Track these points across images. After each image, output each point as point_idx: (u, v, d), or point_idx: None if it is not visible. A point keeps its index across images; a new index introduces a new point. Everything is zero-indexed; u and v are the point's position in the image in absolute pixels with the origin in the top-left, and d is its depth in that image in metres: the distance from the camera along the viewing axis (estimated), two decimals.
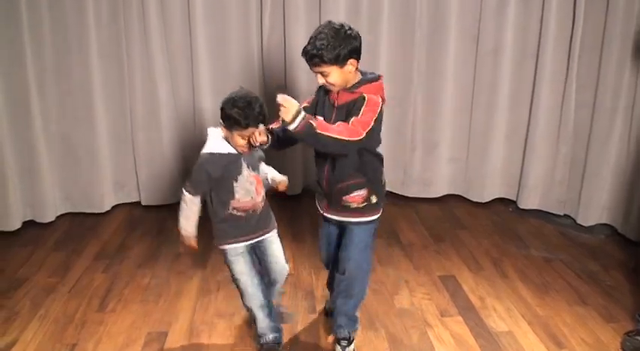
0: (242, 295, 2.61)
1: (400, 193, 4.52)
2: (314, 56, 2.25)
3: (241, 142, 2.37)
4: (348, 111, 2.32)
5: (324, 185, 2.49)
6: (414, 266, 3.46)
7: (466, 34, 4.17)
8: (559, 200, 4.20)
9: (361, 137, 2.24)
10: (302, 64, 4.17)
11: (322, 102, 2.46)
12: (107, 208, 4.28)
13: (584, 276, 3.35)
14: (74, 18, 3.92)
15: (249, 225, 2.52)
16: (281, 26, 4.19)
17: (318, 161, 2.49)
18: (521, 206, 4.30)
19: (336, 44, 2.24)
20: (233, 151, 2.41)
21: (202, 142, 4.39)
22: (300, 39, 4.16)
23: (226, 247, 2.56)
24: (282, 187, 2.66)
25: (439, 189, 4.51)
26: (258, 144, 2.38)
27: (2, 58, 3.75)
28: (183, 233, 2.59)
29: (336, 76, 2.29)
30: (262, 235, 2.57)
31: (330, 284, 2.82)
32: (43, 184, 4.02)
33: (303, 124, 2.18)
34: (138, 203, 4.42)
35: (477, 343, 2.73)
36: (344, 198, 2.45)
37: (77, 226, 4.03)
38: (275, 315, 2.64)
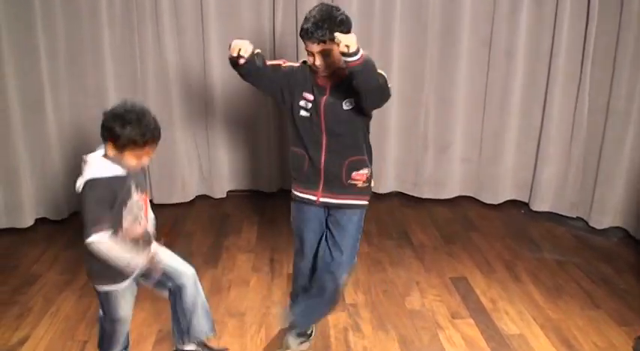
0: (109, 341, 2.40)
1: (412, 194, 4.50)
2: (323, 29, 2.18)
3: (134, 162, 2.10)
4: (348, 88, 2.25)
5: (321, 166, 2.40)
6: (425, 268, 3.45)
7: (479, 35, 4.16)
8: (572, 203, 4.18)
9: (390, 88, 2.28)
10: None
11: (309, 80, 2.37)
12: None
13: (596, 279, 3.33)
14: (88, 18, 3.95)
15: (139, 250, 2.22)
16: (293, 24, 4.18)
17: (311, 141, 2.39)
18: (534, 208, 4.28)
19: (339, 21, 2.22)
20: (119, 172, 2.10)
21: (215, 140, 4.44)
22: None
23: (111, 287, 2.24)
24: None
25: (451, 190, 4.49)
26: (236, 55, 2.24)
27: (17, 57, 3.78)
28: (134, 267, 2.20)
29: (334, 55, 2.23)
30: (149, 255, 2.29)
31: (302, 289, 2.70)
32: (55, 181, 4.05)
33: (365, 54, 2.12)
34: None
35: (488, 345, 2.72)
36: (353, 175, 2.41)
37: None
38: None
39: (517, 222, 4.15)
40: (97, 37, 3.99)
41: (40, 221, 4.06)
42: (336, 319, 2.90)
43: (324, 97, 2.33)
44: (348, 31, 2.21)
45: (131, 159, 2.09)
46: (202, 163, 4.51)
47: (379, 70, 2.22)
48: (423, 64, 4.21)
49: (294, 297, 2.78)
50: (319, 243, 2.56)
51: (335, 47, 2.16)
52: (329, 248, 2.50)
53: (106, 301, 2.28)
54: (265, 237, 3.88)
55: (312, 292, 2.60)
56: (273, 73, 2.40)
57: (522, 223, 4.14)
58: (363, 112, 2.35)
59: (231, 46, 2.27)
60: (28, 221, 4.01)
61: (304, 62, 2.41)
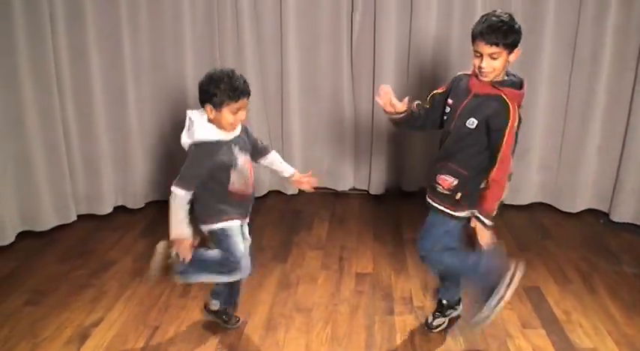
0: (223, 269, 2.54)
1: None
2: (500, 32, 2.24)
3: (231, 119, 2.35)
4: (484, 112, 2.34)
5: (434, 159, 2.56)
6: None
7: (562, 38, 4.03)
8: None
9: (506, 179, 2.45)
10: (391, 61, 4.20)
11: (457, 88, 2.47)
12: None
13: None
14: (171, 14, 4.06)
15: (242, 206, 2.56)
16: (371, 23, 4.18)
17: (442, 140, 2.53)
18: (614, 219, 4.11)
19: (517, 28, 2.29)
20: (223, 137, 2.40)
21: (290, 137, 4.48)
22: (389, 37, 4.15)
23: (224, 224, 2.50)
24: (305, 186, 2.80)
25: (527, 196, 4.37)
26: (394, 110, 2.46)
27: (102, 51, 3.93)
28: (178, 238, 2.46)
29: (500, 62, 2.28)
30: (246, 219, 2.63)
31: None
32: (134, 172, 4.18)
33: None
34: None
35: None
36: (438, 177, 2.49)
37: (164, 214, 4.14)
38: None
39: (595, 232, 4.00)
40: (179, 32, 4.09)
41: (118, 209, 4.20)
42: (402, 322, 2.88)
43: (462, 105, 2.40)
44: (518, 42, 2.30)
45: (229, 115, 2.33)
46: None
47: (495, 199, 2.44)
48: None
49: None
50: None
51: (505, 54, 2.27)
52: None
53: (216, 237, 2.53)
54: (335, 235, 3.88)
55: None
56: (433, 108, 2.56)
57: (601, 233, 3.98)
58: (482, 138, 2.39)
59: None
60: (107, 209, 4.16)
61: (455, 76, 2.53)
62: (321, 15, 4.21)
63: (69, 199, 3.99)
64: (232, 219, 2.50)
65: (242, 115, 2.37)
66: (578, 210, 4.26)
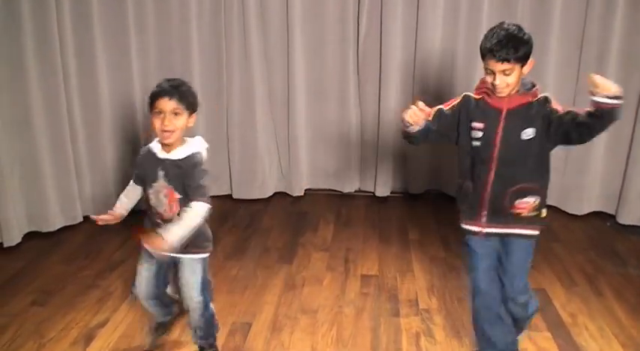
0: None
1: None
2: (510, 47, 2.11)
3: (157, 123, 2.16)
4: (535, 119, 2.22)
5: (487, 193, 2.30)
6: None
7: (569, 38, 4.02)
8: None
9: None
10: (397, 66, 4.20)
11: (476, 109, 2.30)
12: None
13: None
14: (177, 19, 4.08)
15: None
16: (378, 27, 4.19)
17: (480, 170, 2.30)
18: (621, 221, 4.10)
19: (526, 39, 2.17)
20: (156, 150, 2.26)
21: (296, 139, 4.49)
22: (396, 40, 4.15)
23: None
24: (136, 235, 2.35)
25: None
26: (410, 121, 2.22)
27: (110, 55, 3.96)
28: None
29: (514, 77, 2.16)
30: (173, 253, 2.27)
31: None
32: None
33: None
34: (229, 196, 4.53)
35: None
36: (516, 203, 2.30)
37: None
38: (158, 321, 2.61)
39: (602, 234, 3.98)
40: (186, 37, 4.11)
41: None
42: (408, 324, 2.88)
43: (500, 125, 2.23)
44: (530, 53, 2.18)
45: (154, 121, 2.18)
46: (282, 161, 4.57)
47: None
48: None
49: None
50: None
51: (518, 68, 2.15)
52: (501, 278, 2.44)
53: None
54: (341, 237, 3.88)
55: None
56: (440, 125, 2.36)
57: (608, 235, 3.97)
58: (543, 141, 2.26)
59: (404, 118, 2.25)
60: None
61: (464, 96, 2.35)
62: (328, 20, 4.23)
63: (75, 200, 4.00)
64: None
65: (166, 120, 2.16)
66: (585, 212, 4.25)
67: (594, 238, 3.92)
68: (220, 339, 2.73)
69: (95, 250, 3.66)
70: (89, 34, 3.85)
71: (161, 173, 2.23)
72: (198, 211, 2.18)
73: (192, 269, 2.36)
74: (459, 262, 3.49)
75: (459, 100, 2.36)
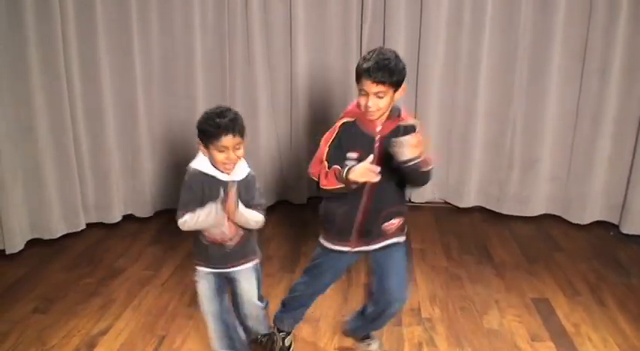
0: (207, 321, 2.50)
1: (494, 209, 4.41)
2: (386, 70, 2.13)
3: (220, 157, 2.21)
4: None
5: (360, 217, 2.35)
6: (505, 286, 3.35)
7: (571, 49, 4.03)
8: None
9: (432, 168, 2.24)
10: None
11: (350, 137, 2.29)
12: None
13: None
14: (181, 25, 4.09)
15: (213, 256, 2.38)
16: (380, 37, 4.20)
17: (351, 194, 2.28)
18: (624, 231, 4.09)
19: (402, 66, 2.18)
20: (216, 174, 2.27)
21: (298, 147, 4.50)
22: (400, 49, 4.14)
23: (197, 267, 2.44)
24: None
25: (536, 208, 4.36)
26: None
27: (113, 60, 3.97)
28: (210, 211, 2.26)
29: (386, 100, 2.19)
30: (229, 268, 2.42)
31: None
32: (143, 181, 4.20)
33: (426, 158, 2.16)
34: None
35: None
36: (385, 225, 2.38)
37: (173, 223, 4.15)
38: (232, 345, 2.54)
39: (605, 244, 3.97)
40: (189, 43, 4.12)
41: (127, 218, 4.21)
42: (411, 333, 2.87)
43: (375, 154, 2.24)
44: (402, 79, 2.20)
45: (215, 153, 2.22)
46: (284, 169, 4.56)
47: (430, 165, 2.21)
48: (512, 78, 4.12)
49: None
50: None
51: (391, 92, 2.18)
52: (383, 279, 2.46)
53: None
54: None
55: (372, 316, 2.59)
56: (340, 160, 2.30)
57: (611, 245, 3.96)
58: None
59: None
60: (116, 217, 4.17)
61: (342, 124, 2.31)
62: (331, 27, 4.23)
63: (78, 208, 4.01)
64: (202, 265, 2.42)
65: (232, 154, 2.23)
66: (588, 222, 4.24)
67: (597, 247, 3.92)
68: None
69: (97, 258, 3.66)
70: (93, 40, 3.86)
71: (223, 194, 2.25)
72: (258, 217, 2.35)
73: (247, 277, 2.46)
74: (462, 272, 3.49)
75: (336, 132, 2.32)
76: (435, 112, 4.34)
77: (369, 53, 2.21)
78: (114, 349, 2.72)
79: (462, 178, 4.42)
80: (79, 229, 4.02)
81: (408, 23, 4.15)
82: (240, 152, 2.26)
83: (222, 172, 2.27)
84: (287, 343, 2.72)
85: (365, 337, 2.76)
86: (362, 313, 2.66)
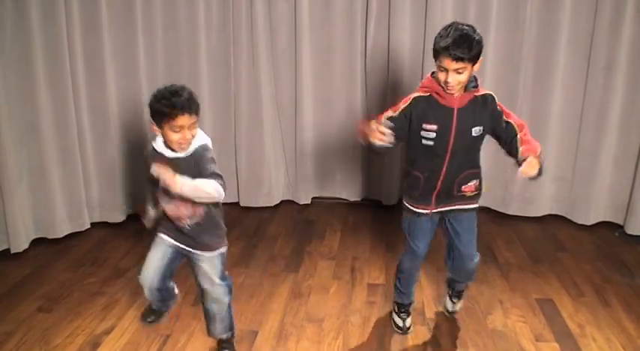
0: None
1: (500, 210, 4.40)
2: (465, 47, 2.22)
3: (175, 137, 2.18)
4: (482, 117, 2.41)
5: (439, 182, 2.48)
6: (510, 287, 3.34)
7: (577, 48, 4.01)
8: None
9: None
10: (405, 73, 4.20)
11: (427, 110, 2.40)
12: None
13: None
14: (185, 25, 4.11)
15: (174, 231, 2.39)
16: (385, 35, 4.19)
17: (434, 160, 2.45)
18: (629, 231, 4.07)
19: (479, 40, 2.27)
20: (163, 151, 2.27)
21: (303, 147, 4.50)
22: (404, 49, 4.15)
23: (158, 233, 2.46)
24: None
25: (541, 208, 4.35)
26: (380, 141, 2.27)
27: (119, 59, 3.98)
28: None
29: (466, 75, 2.28)
30: (188, 248, 2.41)
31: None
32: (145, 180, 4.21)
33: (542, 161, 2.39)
34: (237, 204, 4.54)
35: None
36: (463, 188, 2.52)
37: None
38: (156, 305, 2.61)
39: (610, 245, 3.96)
40: (194, 41, 4.13)
41: (131, 217, 4.21)
42: (414, 333, 2.87)
43: (453, 125, 2.38)
44: (480, 53, 2.28)
45: (170, 133, 2.19)
46: (289, 169, 4.57)
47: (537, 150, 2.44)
48: (517, 77, 4.11)
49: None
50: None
51: (469, 67, 2.26)
52: (457, 243, 2.66)
53: None
54: (347, 245, 3.87)
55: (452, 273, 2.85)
56: (397, 127, 2.41)
57: (616, 246, 3.95)
58: (485, 135, 2.49)
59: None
60: (121, 217, 4.18)
61: (414, 98, 2.44)
62: (336, 28, 4.23)
63: (83, 207, 4.01)
64: (163, 231, 2.44)
65: (186, 133, 2.20)
66: (593, 222, 4.22)
67: (602, 248, 3.90)
68: None
69: (102, 257, 3.67)
70: (98, 40, 3.86)
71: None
72: (212, 184, 2.20)
73: (212, 264, 2.44)
74: None
75: (408, 102, 2.44)
76: None
77: (445, 29, 2.28)
78: (118, 349, 2.72)
79: None
80: (84, 229, 4.03)
81: (413, 21, 4.13)
82: (195, 131, 2.25)
83: (173, 150, 2.24)
84: (407, 324, 2.87)
85: (456, 295, 2.96)
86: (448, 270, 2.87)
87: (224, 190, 2.23)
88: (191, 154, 2.27)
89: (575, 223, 4.25)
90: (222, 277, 2.49)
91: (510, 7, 4.02)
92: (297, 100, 4.36)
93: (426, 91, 2.42)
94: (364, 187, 4.60)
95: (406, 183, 2.63)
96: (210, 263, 2.43)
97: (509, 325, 2.95)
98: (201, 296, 2.56)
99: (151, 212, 2.49)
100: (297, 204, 4.60)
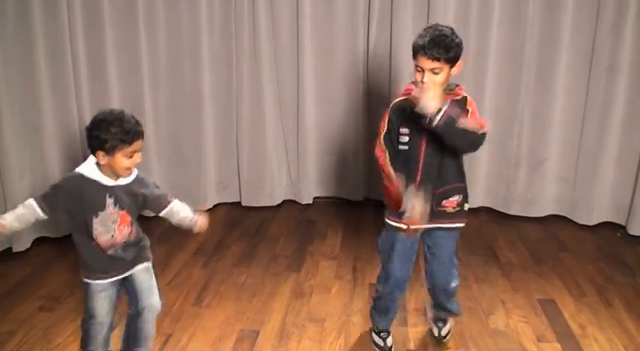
0: (84, 337, 2.42)
1: (501, 210, 4.39)
2: (442, 46, 2.18)
3: (127, 163, 2.17)
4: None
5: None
6: (512, 287, 3.34)
7: (579, 48, 4.01)
8: None
9: (486, 131, 2.25)
10: (407, 73, 4.19)
11: (403, 114, 2.34)
12: (209, 206, 4.42)
13: None
14: (188, 25, 4.12)
15: (112, 263, 2.29)
16: (388, 35, 4.20)
17: (410, 165, 2.36)
18: (631, 232, 4.07)
19: (458, 42, 2.23)
20: (103, 180, 2.21)
21: (305, 147, 4.49)
22: (406, 48, 4.14)
23: (89, 281, 2.32)
24: (197, 229, 2.37)
25: (543, 208, 4.34)
26: None
27: (120, 59, 3.98)
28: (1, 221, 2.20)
29: (442, 76, 2.23)
30: (128, 270, 2.34)
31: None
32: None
33: (448, 114, 2.14)
34: (238, 203, 4.54)
35: None
36: (443, 203, 2.41)
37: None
38: None
39: (612, 245, 3.96)
40: (196, 43, 4.13)
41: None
42: (416, 333, 2.86)
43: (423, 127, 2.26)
44: (459, 56, 2.24)
45: (123, 160, 2.17)
46: (291, 169, 4.57)
47: (470, 123, 2.22)
48: (520, 76, 4.11)
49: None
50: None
51: (447, 68, 2.22)
52: (434, 270, 2.58)
53: (85, 294, 2.37)
54: (349, 245, 3.87)
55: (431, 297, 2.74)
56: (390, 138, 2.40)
57: (618, 246, 3.94)
58: None
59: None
60: None
61: (391, 107, 2.40)
62: (338, 27, 4.24)
63: None
64: (99, 277, 2.31)
65: (137, 157, 2.21)
66: (595, 223, 4.22)
67: (604, 248, 3.90)
68: (227, 347, 2.73)
69: None
70: (100, 39, 3.87)
71: (110, 201, 2.22)
72: (183, 205, 2.37)
73: (150, 274, 2.41)
74: (468, 272, 3.47)
75: (389, 111, 2.40)
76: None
77: (425, 29, 2.26)
78: (119, 347, 2.72)
79: (468, 178, 4.38)
80: None
81: (415, 20, 4.13)
82: (140, 154, 2.25)
83: (110, 177, 2.22)
84: (389, 344, 2.70)
85: (440, 320, 2.80)
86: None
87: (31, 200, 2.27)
88: (131, 182, 2.28)
89: (577, 224, 4.25)
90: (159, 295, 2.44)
91: (512, 7, 4.02)
92: (299, 99, 4.36)
93: (403, 96, 2.36)
94: (366, 186, 4.60)
95: (384, 195, 2.52)
96: (149, 274, 2.41)
97: (511, 325, 2.95)
98: (132, 319, 2.46)
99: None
100: (299, 204, 4.60)
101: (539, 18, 4.00)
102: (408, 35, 4.13)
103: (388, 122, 2.38)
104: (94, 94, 3.94)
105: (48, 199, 2.24)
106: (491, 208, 4.44)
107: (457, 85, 2.37)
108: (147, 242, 2.45)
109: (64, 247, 3.79)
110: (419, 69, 2.25)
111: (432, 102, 2.13)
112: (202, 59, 4.18)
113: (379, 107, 4.31)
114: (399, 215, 2.41)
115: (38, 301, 3.13)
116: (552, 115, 4.13)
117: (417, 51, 2.23)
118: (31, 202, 2.23)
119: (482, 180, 4.39)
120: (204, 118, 4.29)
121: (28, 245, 3.73)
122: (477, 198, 4.42)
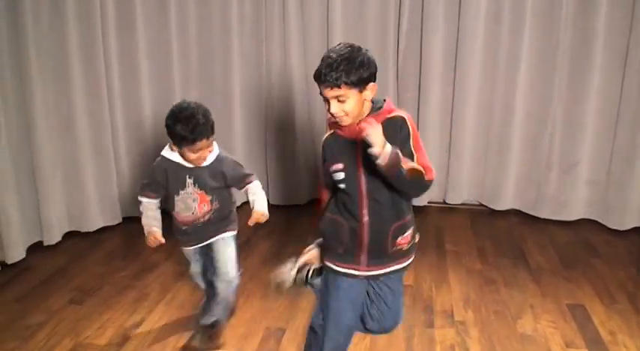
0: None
1: (532, 213, 4.34)
2: (338, 71, 1.86)
3: (193, 156, 2.34)
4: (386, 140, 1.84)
5: (365, 234, 2.04)
6: (541, 291, 3.29)
7: (613, 50, 3.94)
8: None
9: (433, 178, 1.94)
10: (437, 70, 4.17)
11: (333, 147, 2.05)
12: (237, 204, 4.43)
13: None
14: (219, 27, 4.15)
15: (192, 235, 2.57)
16: (418, 35, 4.17)
17: (352, 209, 2.03)
18: None
19: (359, 63, 1.90)
20: (181, 161, 2.40)
21: None
22: (437, 48, 4.13)
23: (181, 246, 2.65)
24: (252, 221, 2.49)
25: (574, 212, 4.28)
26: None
27: (152, 58, 4.03)
28: (146, 229, 2.54)
29: (351, 103, 1.90)
30: (208, 239, 2.58)
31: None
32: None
33: (390, 154, 1.79)
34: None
35: None
36: (398, 241, 2.08)
37: None
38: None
39: None
40: (227, 43, 4.16)
41: (162, 213, 4.22)
42: (443, 336, 2.84)
43: (359, 158, 1.96)
44: (370, 76, 1.93)
45: (189, 154, 2.33)
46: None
47: (415, 166, 1.88)
48: (552, 78, 4.05)
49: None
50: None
51: (354, 93, 1.89)
52: (378, 316, 2.26)
53: None
54: None
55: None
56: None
57: None
58: None
59: None
60: None
61: (323, 141, 2.12)
62: (368, 27, 4.22)
63: (115, 202, 4.07)
64: (184, 245, 2.65)
65: (204, 153, 2.37)
66: (627, 228, 4.15)
67: (636, 254, 3.83)
68: (253, 344, 2.74)
69: (133, 252, 3.71)
70: (132, 39, 3.92)
71: (190, 181, 2.42)
72: (259, 185, 2.57)
73: (227, 243, 2.59)
74: (497, 275, 3.44)
75: (322, 148, 2.13)
76: (472, 112, 4.29)
77: (327, 51, 1.95)
78: (146, 342, 2.75)
79: (498, 179, 4.37)
80: (116, 223, 4.08)
81: (447, 20, 4.10)
82: (212, 147, 2.38)
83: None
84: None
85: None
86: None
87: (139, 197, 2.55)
88: (211, 163, 2.42)
89: (608, 228, 4.18)
90: (237, 265, 2.62)
91: (546, 8, 3.97)
92: None
93: (330, 127, 2.07)
94: None
95: (325, 232, 2.16)
96: (225, 243, 2.59)
97: (539, 330, 2.91)
98: (210, 285, 2.67)
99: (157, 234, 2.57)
100: (300, 204, 4.61)
101: (573, 19, 3.94)
102: (439, 33, 4.11)
103: (323, 159, 2.12)
104: (125, 93, 3.99)
105: (149, 188, 2.50)
106: (521, 211, 4.39)
107: (384, 100, 2.04)
108: (232, 216, 2.63)
109: (93, 241, 3.85)
110: (324, 99, 1.93)
111: (378, 138, 1.76)
112: (233, 60, 4.20)
113: (410, 104, 4.32)
114: (341, 257, 2.11)
115: (69, 293, 3.18)
116: (585, 118, 4.07)
117: (316, 80, 1.92)
118: (142, 200, 2.53)
119: (512, 182, 4.34)
120: (234, 116, 4.31)
121: (59, 239, 3.79)
122: (507, 200, 4.38)
